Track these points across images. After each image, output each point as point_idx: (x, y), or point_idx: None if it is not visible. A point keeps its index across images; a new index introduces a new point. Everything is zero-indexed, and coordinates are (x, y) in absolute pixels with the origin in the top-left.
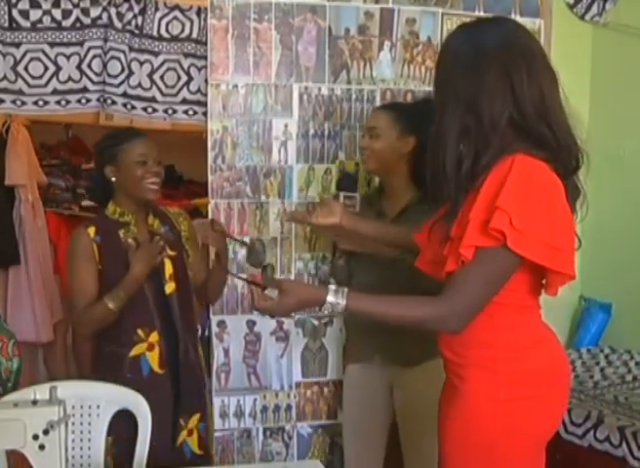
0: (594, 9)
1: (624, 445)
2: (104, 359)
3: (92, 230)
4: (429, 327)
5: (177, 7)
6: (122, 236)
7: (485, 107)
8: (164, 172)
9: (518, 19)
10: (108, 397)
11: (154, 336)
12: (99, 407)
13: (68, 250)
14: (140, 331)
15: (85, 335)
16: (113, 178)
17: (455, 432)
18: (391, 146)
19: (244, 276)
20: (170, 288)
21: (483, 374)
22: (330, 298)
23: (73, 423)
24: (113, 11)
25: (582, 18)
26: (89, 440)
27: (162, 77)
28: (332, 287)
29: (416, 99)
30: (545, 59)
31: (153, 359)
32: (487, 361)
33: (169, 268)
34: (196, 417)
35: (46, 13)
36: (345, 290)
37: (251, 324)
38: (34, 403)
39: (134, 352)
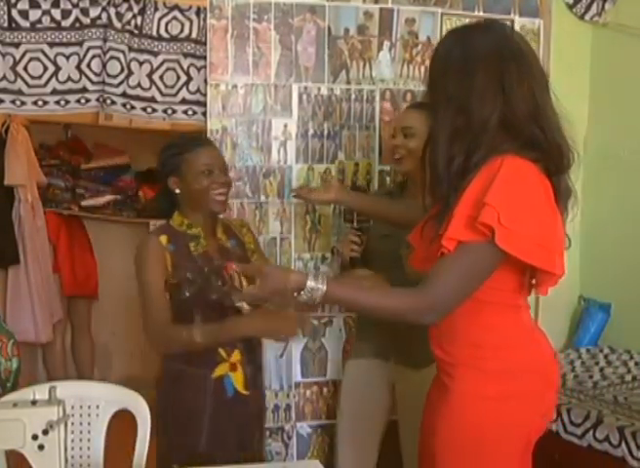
0: (593, 9)
1: (624, 445)
2: (183, 380)
3: (164, 238)
4: (405, 318)
5: (176, 7)
6: (192, 249)
7: (476, 109)
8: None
9: (517, 18)
10: (108, 397)
11: (236, 356)
12: (98, 407)
13: (138, 256)
14: (221, 351)
15: (159, 352)
16: (177, 190)
17: (444, 430)
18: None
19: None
20: (247, 305)
21: (472, 373)
22: (310, 283)
23: (73, 423)
24: (112, 11)
25: (582, 17)
26: (88, 440)
27: (161, 77)
28: (311, 272)
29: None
30: (536, 62)
31: (237, 380)
32: (475, 359)
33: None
34: (255, 439)
35: (45, 13)
36: (325, 275)
37: None
38: (33, 403)
39: (217, 373)
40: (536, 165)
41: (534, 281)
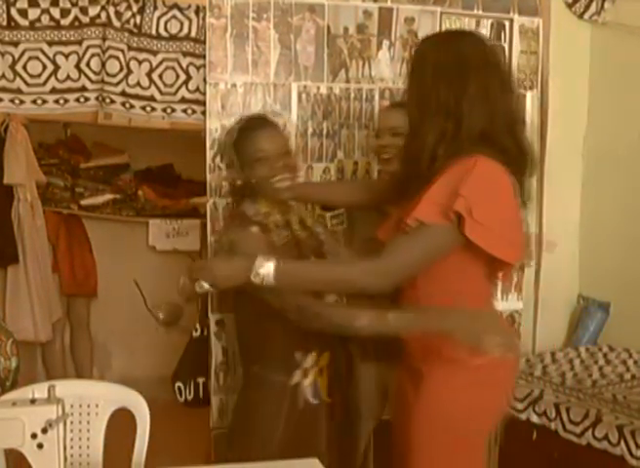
0: (593, 8)
1: (623, 443)
2: (268, 388)
3: (255, 229)
4: (356, 284)
5: (175, 6)
6: (275, 239)
7: (466, 115)
8: (165, 170)
9: (516, 17)
10: (107, 396)
11: (325, 359)
12: (97, 405)
13: (237, 248)
14: (314, 355)
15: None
16: (238, 181)
17: (421, 417)
18: None
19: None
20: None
21: (449, 361)
22: (257, 262)
23: (72, 422)
24: (112, 10)
25: (581, 16)
26: (87, 439)
27: (161, 76)
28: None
29: None
30: (512, 74)
31: (322, 385)
32: (450, 346)
33: None
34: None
35: (44, 11)
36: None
37: None
38: (33, 402)
39: (295, 380)
40: (504, 167)
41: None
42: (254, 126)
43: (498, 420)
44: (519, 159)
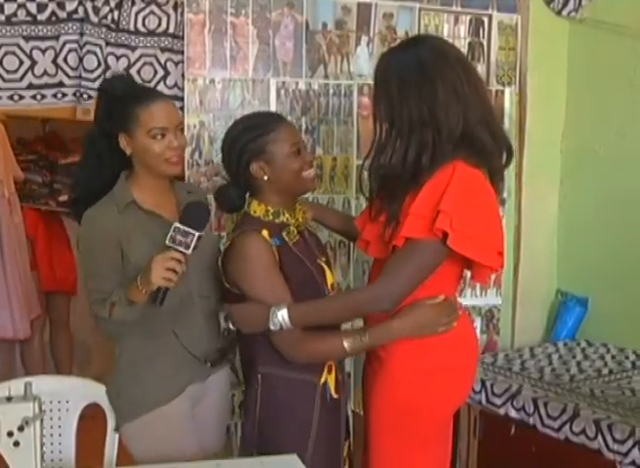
0: (571, 5)
1: (600, 437)
2: (292, 388)
3: (266, 233)
4: (366, 308)
5: (153, 1)
6: (287, 240)
7: (443, 120)
8: None
9: (495, 14)
10: (77, 391)
11: None
12: (68, 401)
13: (246, 258)
14: None
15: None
16: (265, 177)
17: (380, 402)
18: None
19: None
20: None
21: (409, 346)
22: (272, 310)
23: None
24: (89, 5)
25: (559, 13)
26: (59, 435)
27: (139, 72)
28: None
29: None
30: (474, 67)
31: (332, 382)
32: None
33: (330, 277)
34: (346, 445)
35: (21, 6)
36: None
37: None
38: (9, 399)
39: (323, 378)
40: (481, 170)
41: (469, 272)
42: (281, 118)
43: (456, 407)
44: (492, 156)
